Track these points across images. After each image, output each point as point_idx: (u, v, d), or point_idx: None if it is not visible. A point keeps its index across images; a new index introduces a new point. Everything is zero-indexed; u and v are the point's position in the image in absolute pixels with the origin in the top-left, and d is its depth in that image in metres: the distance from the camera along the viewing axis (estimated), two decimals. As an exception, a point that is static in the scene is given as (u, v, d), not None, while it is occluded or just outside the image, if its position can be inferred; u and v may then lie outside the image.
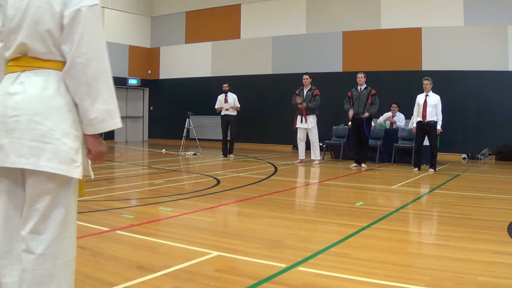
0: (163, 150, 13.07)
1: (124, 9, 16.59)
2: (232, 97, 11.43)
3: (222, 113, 11.39)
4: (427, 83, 8.93)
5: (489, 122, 11.40)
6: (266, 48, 14.85)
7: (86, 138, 1.96)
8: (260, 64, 14.90)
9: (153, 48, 17.63)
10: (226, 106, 11.36)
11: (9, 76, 1.91)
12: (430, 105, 8.84)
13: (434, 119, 8.85)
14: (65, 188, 1.94)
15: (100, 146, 1.99)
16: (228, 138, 11.36)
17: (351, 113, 9.51)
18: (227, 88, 11.45)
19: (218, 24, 15.85)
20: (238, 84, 14.92)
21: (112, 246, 3.69)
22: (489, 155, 11.49)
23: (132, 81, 17.03)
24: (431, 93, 8.92)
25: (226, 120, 11.32)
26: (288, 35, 14.35)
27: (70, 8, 1.82)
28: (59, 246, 1.89)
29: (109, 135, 16.23)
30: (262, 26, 14.96)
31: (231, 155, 11.30)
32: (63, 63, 1.89)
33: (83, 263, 3.20)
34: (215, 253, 3.45)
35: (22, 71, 1.89)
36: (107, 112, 1.96)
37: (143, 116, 17.84)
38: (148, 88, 17.71)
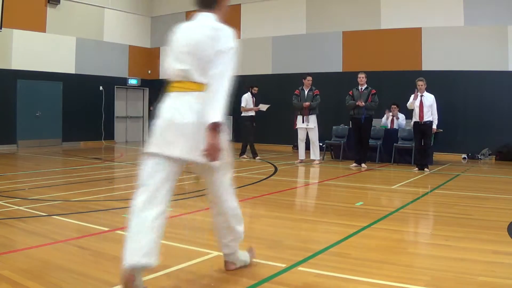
0: (163, 150, 13.04)
1: (124, 9, 16.58)
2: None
3: (248, 114, 11.08)
4: (421, 84, 8.97)
5: (489, 122, 11.39)
6: (266, 48, 14.85)
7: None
8: (260, 64, 14.89)
9: (153, 48, 17.62)
10: (263, 107, 11.15)
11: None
12: (426, 106, 8.92)
13: (430, 119, 8.96)
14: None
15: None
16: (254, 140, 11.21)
17: (359, 102, 9.44)
18: (256, 91, 11.27)
19: (218, 24, 15.83)
20: (237, 84, 14.93)
21: (112, 246, 3.68)
22: (489, 155, 11.49)
23: (132, 81, 17.02)
24: (426, 93, 8.99)
25: (252, 121, 11.13)
26: (288, 35, 14.35)
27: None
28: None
29: (109, 135, 16.24)
30: (262, 26, 14.95)
31: (245, 155, 11.21)
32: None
33: (83, 263, 3.20)
34: (215, 253, 3.45)
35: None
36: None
37: (143, 116, 17.83)
38: (148, 88, 17.70)
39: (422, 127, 8.97)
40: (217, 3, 2.95)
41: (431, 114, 8.93)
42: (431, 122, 8.95)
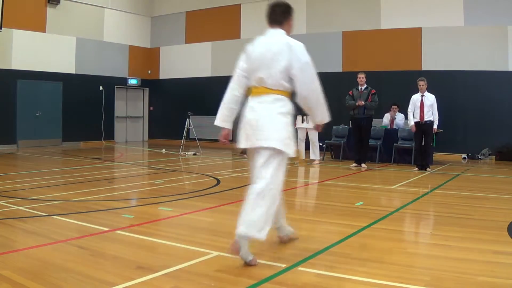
0: (163, 150, 13.07)
1: (124, 9, 16.58)
2: None
3: None
4: (422, 83, 8.98)
5: (489, 122, 11.40)
6: (266, 48, 14.83)
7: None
8: (260, 64, 14.87)
9: (153, 48, 17.63)
10: None
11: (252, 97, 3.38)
12: (426, 106, 8.93)
13: (431, 119, 8.95)
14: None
15: None
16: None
17: (359, 102, 9.46)
18: None
19: (218, 24, 15.85)
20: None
21: (112, 246, 3.69)
22: (489, 155, 11.49)
23: (132, 81, 17.02)
24: (426, 93, 8.99)
25: None
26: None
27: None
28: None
29: (109, 135, 16.24)
30: (262, 26, 14.83)
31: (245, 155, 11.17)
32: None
33: (83, 263, 3.20)
34: (215, 253, 3.45)
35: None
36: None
37: (143, 116, 17.84)
38: (148, 88, 17.71)
39: (422, 127, 8.98)
40: (286, 21, 3.54)
41: (431, 114, 8.94)
42: (431, 122, 8.96)
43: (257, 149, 3.28)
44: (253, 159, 3.35)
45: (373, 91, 9.55)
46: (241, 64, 3.47)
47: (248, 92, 3.45)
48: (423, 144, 9.12)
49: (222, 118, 3.55)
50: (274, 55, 3.29)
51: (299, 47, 3.33)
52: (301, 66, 3.25)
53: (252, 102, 3.36)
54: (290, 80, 3.30)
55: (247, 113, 3.36)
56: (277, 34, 3.45)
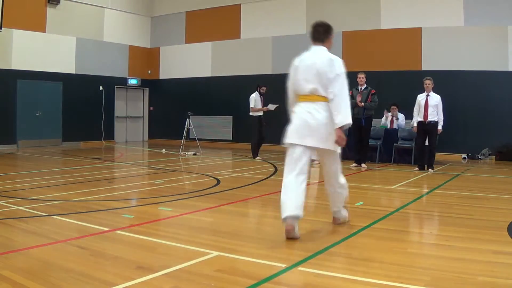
0: (163, 150, 13.07)
1: (124, 9, 16.58)
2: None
3: (257, 114, 10.98)
4: (429, 83, 8.86)
5: (489, 122, 11.40)
6: (266, 48, 14.85)
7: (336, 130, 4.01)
8: (260, 64, 14.90)
9: (153, 48, 17.63)
10: (272, 107, 11.01)
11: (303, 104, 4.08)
12: (431, 106, 8.79)
13: (435, 119, 8.82)
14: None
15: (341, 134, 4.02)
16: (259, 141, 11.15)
17: (358, 101, 9.47)
18: (264, 91, 11.13)
19: (218, 24, 15.85)
20: (238, 84, 14.93)
21: (112, 246, 3.69)
22: (489, 155, 11.49)
23: (132, 81, 17.02)
24: (432, 93, 8.88)
25: (260, 121, 11.03)
26: (288, 35, 14.35)
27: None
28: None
29: (109, 135, 16.25)
30: (262, 26, 14.95)
31: (259, 157, 11.16)
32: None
33: (83, 263, 3.20)
34: (215, 253, 3.45)
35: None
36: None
37: (143, 116, 17.84)
38: (148, 88, 17.71)
39: (426, 127, 8.86)
40: (327, 39, 4.23)
41: (436, 114, 8.80)
42: (436, 123, 8.81)
43: (315, 148, 4.05)
44: (304, 155, 3.98)
45: (373, 91, 9.54)
46: (292, 75, 4.18)
47: (297, 98, 4.15)
48: (427, 144, 9.02)
49: None
50: (319, 68, 3.99)
51: (338, 61, 4.07)
52: (336, 75, 3.96)
53: (303, 107, 4.05)
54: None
55: (300, 115, 4.05)
56: (320, 51, 4.14)
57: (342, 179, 4.30)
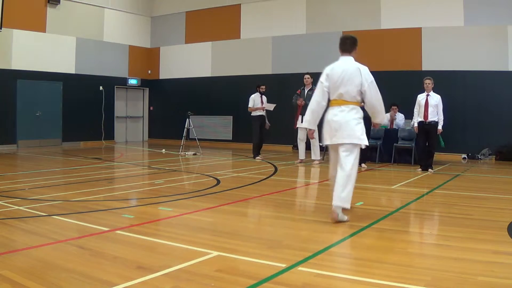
0: (163, 150, 13.07)
1: (124, 9, 16.59)
2: (264, 99, 11.25)
3: (257, 114, 11.02)
4: (429, 82, 8.84)
5: (489, 122, 11.40)
6: (266, 48, 14.85)
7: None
8: (260, 64, 14.90)
9: (153, 48, 17.63)
10: (269, 107, 11.05)
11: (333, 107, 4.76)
12: (431, 105, 8.77)
13: (436, 119, 8.80)
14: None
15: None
16: (259, 140, 11.15)
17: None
18: (264, 90, 11.17)
19: (218, 24, 15.85)
20: (238, 84, 14.93)
21: (112, 246, 3.69)
22: (489, 155, 11.49)
23: (132, 81, 17.03)
24: (432, 93, 8.86)
25: (260, 121, 11.03)
26: (288, 35, 14.35)
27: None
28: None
29: (109, 135, 16.25)
30: (262, 26, 14.95)
31: (259, 157, 11.17)
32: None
33: (83, 263, 3.20)
34: (215, 253, 3.45)
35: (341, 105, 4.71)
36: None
37: (143, 116, 17.84)
38: (148, 88, 17.71)
39: (426, 127, 8.83)
40: (353, 50, 4.84)
41: (436, 114, 8.78)
42: (436, 123, 8.78)
43: (340, 145, 4.62)
44: (336, 152, 4.71)
45: None
46: (323, 81, 4.75)
47: (329, 102, 4.78)
48: (427, 144, 9.02)
49: (312, 122, 4.90)
50: (349, 76, 4.62)
51: (365, 70, 4.69)
52: (369, 84, 4.61)
53: (334, 110, 4.70)
54: (361, 93, 4.67)
55: (331, 118, 4.69)
56: (349, 60, 4.77)
57: (354, 172, 4.65)
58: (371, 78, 4.63)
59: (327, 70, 4.78)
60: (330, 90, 4.72)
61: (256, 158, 11.04)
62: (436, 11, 12.09)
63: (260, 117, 11.04)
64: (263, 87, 11.16)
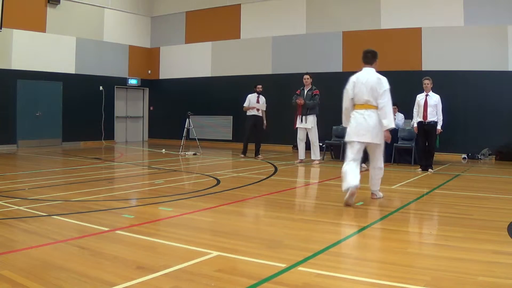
0: (163, 150, 13.07)
1: (124, 9, 16.58)
2: (262, 99, 11.29)
3: (250, 113, 11.17)
4: (427, 82, 8.84)
5: (489, 122, 11.39)
6: (266, 48, 14.85)
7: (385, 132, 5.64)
8: (260, 64, 14.90)
9: (153, 48, 17.63)
10: (260, 106, 11.17)
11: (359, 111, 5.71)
12: (430, 105, 8.77)
13: (435, 119, 8.79)
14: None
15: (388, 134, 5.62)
16: (248, 139, 11.36)
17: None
18: (260, 90, 11.27)
19: (218, 24, 15.85)
20: (238, 84, 14.93)
21: (112, 246, 3.69)
22: (489, 155, 11.49)
23: (132, 81, 17.02)
24: (431, 93, 8.85)
25: (254, 121, 11.16)
26: (288, 35, 14.35)
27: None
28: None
29: (109, 135, 16.25)
30: (262, 26, 14.95)
31: (260, 156, 11.20)
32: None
33: (83, 263, 3.20)
34: (215, 253, 3.45)
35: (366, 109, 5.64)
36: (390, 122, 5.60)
37: (143, 116, 17.84)
38: (148, 88, 17.71)
39: (425, 127, 8.83)
40: (374, 62, 5.72)
41: (435, 114, 8.77)
42: (435, 123, 8.78)
43: (368, 143, 5.59)
44: (361, 148, 5.60)
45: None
46: (350, 89, 5.68)
47: (354, 106, 5.69)
48: (427, 144, 8.97)
49: (347, 122, 5.78)
50: (372, 85, 5.51)
51: (384, 80, 5.53)
52: (384, 91, 5.47)
53: (359, 113, 5.60)
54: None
55: (358, 119, 5.59)
56: (370, 71, 5.64)
57: (381, 164, 5.78)
58: (387, 86, 5.49)
59: (353, 79, 5.65)
60: (355, 96, 5.60)
61: (257, 157, 11.07)
62: (436, 11, 12.09)
63: (253, 117, 11.14)
64: (259, 86, 11.30)
